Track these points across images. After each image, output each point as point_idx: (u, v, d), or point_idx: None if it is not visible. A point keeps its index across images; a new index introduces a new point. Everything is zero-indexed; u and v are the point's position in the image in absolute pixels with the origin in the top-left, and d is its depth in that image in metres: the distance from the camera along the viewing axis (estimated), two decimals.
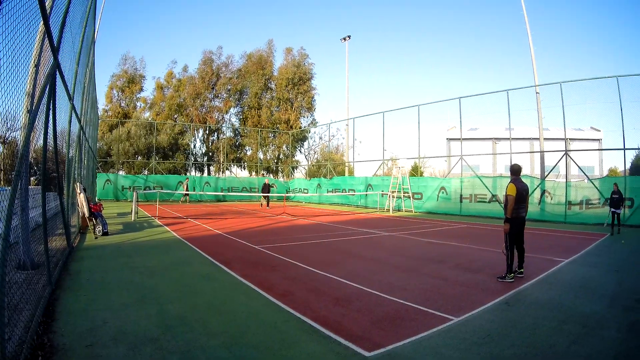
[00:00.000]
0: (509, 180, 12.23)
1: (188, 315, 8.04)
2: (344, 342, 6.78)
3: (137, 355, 5.98)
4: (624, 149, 25.03)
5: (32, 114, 6.96)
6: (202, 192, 45.28)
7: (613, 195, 20.00)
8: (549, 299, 9.44)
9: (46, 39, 8.06)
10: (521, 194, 11.40)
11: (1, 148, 8.83)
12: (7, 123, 6.79)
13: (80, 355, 5.88)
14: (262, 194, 40.69)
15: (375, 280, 11.16)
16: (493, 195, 31.73)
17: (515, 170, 11.86)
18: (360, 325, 7.68)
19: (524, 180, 12.00)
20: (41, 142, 9.05)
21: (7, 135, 7.25)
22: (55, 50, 8.73)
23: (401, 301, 9.24)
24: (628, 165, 28.19)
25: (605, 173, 43.04)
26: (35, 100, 7.51)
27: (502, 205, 11.77)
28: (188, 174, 56.95)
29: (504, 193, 11.74)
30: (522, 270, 11.68)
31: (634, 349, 6.53)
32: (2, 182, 9.91)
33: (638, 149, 29.85)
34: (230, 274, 11.68)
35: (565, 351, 6.45)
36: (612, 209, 20.17)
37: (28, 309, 6.80)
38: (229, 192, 48.03)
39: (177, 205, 39.43)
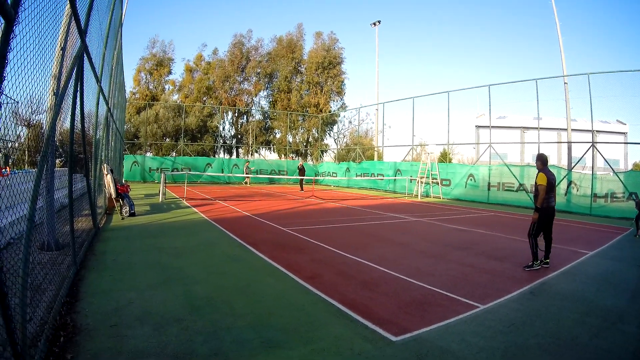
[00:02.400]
0: (535, 169, 12.19)
1: (214, 296, 8.04)
2: (371, 326, 6.78)
3: (162, 335, 5.99)
4: None
5: (59, 96, 6.94)
6: (229, 174, 45.28)
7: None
8: (572, 291, 9.43)
9: (72, 21, 8.04)
10: (551, 184, 11.38)
11: (26, 131, 8.81)
12: (32, 106, 6.76)
13: (104, 335, 5.87)
14: (298, 177, 40.59)
15: (402, 265, 11.14)
16: (520, 184, 31.30)
17: (544, 160, 11.80)
18: (388, 309, 7.68)
19: (551, 170, 11.91)
20: (68, 124, 9.05)
21: (31, 118, 7.20)
22: (82, 33, 8.70)
23: (428, 286, 9.23)
24: None
25: (630, 167, 42.48)
26: (62, 83, 7.49)
27: (532, 194, 11.52)
28: (217, 155, 57.28)
29: (534, 182, 11.64)
30: (548, 260, 11.61)
31: None
32: (26, 165, 9.91)
33: None
34: (258, 256, 11.69)
35: (587, 344, 6.45)
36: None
37: (51, 289, 6.80)
38: (258, 174, 47.77)
39: (206, 187, 39.45)
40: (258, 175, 45.41)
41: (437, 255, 12.70)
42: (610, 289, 9.62)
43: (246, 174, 43.11)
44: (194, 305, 7.44)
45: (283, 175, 49.37)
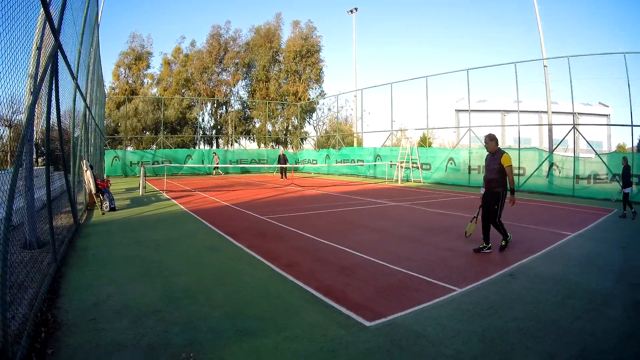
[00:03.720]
0: (497, 151, 11.26)
1: (193, 287, 8.13)
2: (345, 312, 6.86)
3: (139, 328, 6.08)
4: (632, 125, 24.75)
5: (34, 95, 7.01)
6: (210, 165, 45.23)
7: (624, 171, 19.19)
8: (554, 273, 9.35)
9: (47, 21, 8.12)
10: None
11: (7, 131, 8.87)
12: (13, 106, 6.83)
13: (84, 330, 5.95)
14: (279, 166, 40.51)
15: (381, 250, 11.19)
16: None
17: (497, 140, 11.41)
18: (364, 294, 7.76)
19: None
20: (52, 123, 9.17)
21: (13, 118, 7.28)
22: (55, 32, 8.77)
23: (406, 271, 9.29)
24: (636, 142, 28.03)
25: (613, 149, 42.64)
26: (37, 82, 7.57)
27: (492, 178, 10.97)
28: (197, 147, 57.01)
29: (494, 166, 11.00)
30: (490, 245, 11.28)
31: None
32: (9, 165, 9.99)
33: None
34: (237, 245, 11.76)
35: (569, 327, 6.38)
36: (624, 189, 18.49)
37: (33, 287, 6.87)
38: (237, 164, 48.09)
39: (186, 179, 39.38)
40: (232, 165, 46.09)
41: (416, 239, 12.78)
42: (594, 271, 9.54)
43: (216, 164, 43.28)
44: (171, 296, 7.52)
45: (263, 164, 49.22)
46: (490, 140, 11.26)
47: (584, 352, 5.53)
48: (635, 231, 14.74)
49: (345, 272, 9.18)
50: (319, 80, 66.35)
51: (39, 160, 14.57)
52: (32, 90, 7.32)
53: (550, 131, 32.63)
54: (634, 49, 24.75)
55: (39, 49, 8.16)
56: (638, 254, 11.42)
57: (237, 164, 48.74)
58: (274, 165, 46.24)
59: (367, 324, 6.41)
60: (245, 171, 49.06)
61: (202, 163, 45.92)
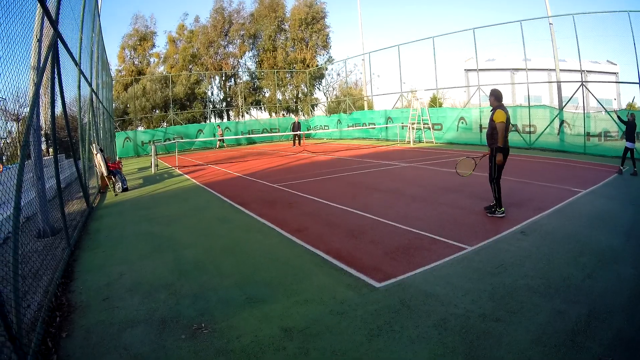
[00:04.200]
0: (495, 107, 10.84)
1: (203, 258, 8.27)
2: (355, 274, 6.96)
3: (151, 303, 6.22)
4: (639, 82, 24.52)
5: (36, 85, 7.06)
6: (231, 137, 45.18)
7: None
8: (565, 230, 9.25)
9: (45, 13, 8.20)
10: (508, 120, 10.63)
11: (15, 125, 8.96)
12: (20, 100, 6.91)
13: (97, 310, 6.08)
14: (292, 133, 40.64)
15: (390, 211, 11.29)
16: (513, 125, 30.67)
17: (499, 95, 10.90)
18: (373, 256, 7.84)
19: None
20: (57, 111, 9.27)
21: (20, 112, 7.35)
22: (54, 22, 8.86)
23: (416, 231, 9.35)
24: None
25: (623, 107, 42.19)
26: (39, 72, 7.63)
27: (497, 134, 10.72)
28: (208, 121, 57.01)
29: (490, 123, 10.81)
30: (503, 209, 10.86)
31: None
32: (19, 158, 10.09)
33: None
34: (248, 214, 11.92)
35: (580, 285, 6.35)
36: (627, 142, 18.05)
37: (48, 274, 6.94)
38: (250, 134, 47.73)
39: (199, 153, 39.30)
40: (240, 137, 46.00)
41: (426, 199, 12.80)
42: (605, 229, 9.38)
43: (220, 136, 43.32)
44: (182, 270, 7.65)
45: (276, 132, 48.97)
46: (490, 95, 11.05)
47: (594, 312, 5.48)
48: None
49: (354, 235, 9.26)
50: (326, 46, 65.82)
51: (49, 150, 14.66)
52: (35, 81, 7.38)
53: (559, 89, 32.30)
54: (638, 7, 24.27)
55: (39, 40, 8.24)
56: None
57: (249, 134, 48.31)
58: (282, 134, 46.66)
59: (377, 285, 6.50)
60: (251, 142, 48.92)
61: (214, 136, 45.46)
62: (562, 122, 28.52)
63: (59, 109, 10.28)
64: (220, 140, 43.91)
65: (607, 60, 46.88)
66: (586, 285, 6.31)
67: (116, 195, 16.84)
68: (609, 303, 5.72)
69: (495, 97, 10.81)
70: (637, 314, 5.45)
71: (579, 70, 28.19)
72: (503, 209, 10.69)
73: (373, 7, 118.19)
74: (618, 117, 19.16)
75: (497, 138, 10.47)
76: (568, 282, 6.42)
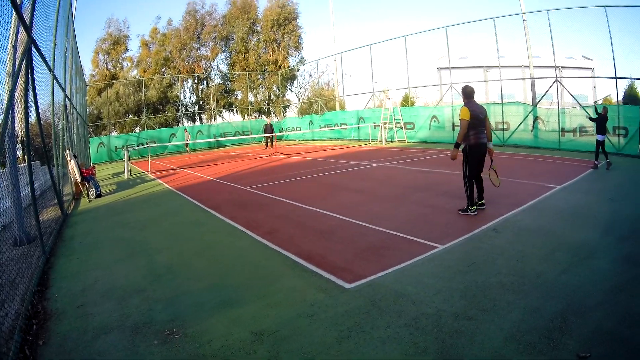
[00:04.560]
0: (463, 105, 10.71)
1: (175, 262, 8.33)
2: (325, 275, 7.01)
3: (124, 308, 6.26)
4: (615, 77, 24.57)
5: (11, 91, 7.10)
6: (195, 141, 44.80)
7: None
8: (539, 226, 9.26)
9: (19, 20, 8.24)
10: (477, 118, 10.41)
11: None
12: None
13: (72, 317, 6.13)
14: (264, 135, 40.62)
15: (361, 211, 11.34)
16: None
17: (468, 93, 10.73)
18: (343, 257, 7.89)
19: (478, 103, 10.81)
20: (32, 118, 9.29)
21: None
22: (27, 28, 8.94)
23: (386, 230, 9.41)
24: (621, 96, 27.99)
25: (599, 102, 42.72)
26: (13, 78, 7.67)
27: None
28: (180, 124, 56.77)
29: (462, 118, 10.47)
30: (482, 202, 11.02)
31: (630, 282, 6.22)
32: None
33: (630, 78, 29.44)
34: (219, 218, 11.99)
35: (554, 280, 6.35)
36: (597, 135, 18.21)
37: (24, 282, 6.98)
38: (222, 137, 48.04)
39: (172, 157, 39.22)
40: (224, 138, 46.45)
41: (397, 198, 12.92)
42: (580, 224, 9.41)
43: (187, 140, 43.16)
44: (155, 274, 7.72)
45: (248, 135, 48.87)
46: (461, 92, 10.96)
47: (570, 307, 5.50)
48: (621, 184, 14.42)
49: (325, 236, 9.34)
50: (298, 47, 66.05)
51: (25, 157, 14.69)
52: (10, 88, 7.41)
53: (532, 85, 32.46)
54: (614, 2, 24.37)
55: (14, 47, 8.28)
56: (625, 206, 11.04)
57: (222, 137, 48.74)
58: (254, 136, 46.52)
59: (347, 286, 6.54)
60: (220, 145, 48.78)
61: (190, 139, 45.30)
62: (536, 118, 28.71)
63: (33, 115, 10.32)
64: (187, 144, 43.75)
65: (583, 56, 47.47)
66: (561, 281, 6.32)
67: (90, 201, 16.81)
68: (585, 298, 5.76)
69: (464, 95, 10.77)
70: (614, 307, 5.49)
71: (553, 67, 28.46)
72: (475, 207, 10.63)
73: (345, 7, 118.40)
74: (588, 116, 19.25)
75: (459, 134, 10.49)
76: (542, 279, 6.44)
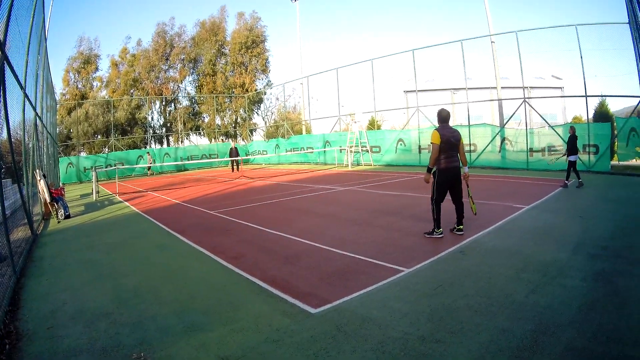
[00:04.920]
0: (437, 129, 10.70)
1: (142, 286, 8.35)
2: (291, 300, 7.05)
3: (92, 332, 6.29)
4: (586, 95, 24.86)
5: None
6: (162, 164, 45.14)
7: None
8: (507, 247, 9.38)
9: None
10: (448, 142, 10.39)
11: None
12: None
13: (42, 338, 6.17)
14: (230, 159, 40.58)
15: (327, 236, 11.42)
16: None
17: (443, 117, 10.75)
18: (309, 282, 7.96)
19: (451, 126, 10.83)
20: (2, 135, 9.34)
21: None
22: (1, 44, 8.97)
23: (352, 255, 9.46)
24: (591, 114, 28.43)
25: (569, 121, 43.19)
26: None
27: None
28: (148, 147, 56.59)
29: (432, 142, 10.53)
30: (461, 227, 10.91)
31: (601, 299, 6.30)
32: None
33: (600, 96, 29.85)
34: (185, 242, 11.98)
35: (523, 301, 6.39)
36: (569, 157, 18.46)
37: None
38: (189, 160, 48.23)
39: (139, 180, 38.95)
40: (191, 161, 46.72)
41: (364, 222, 12.96)
42: (550, 243, 9.53)
43: (149, 163, 43.27)
44: (121, 297, 7.74)
45: (214, 158, 48.92)
46: (437, 115, 10.96)
47: (541, 327, 5.54)
48: (591, 201, 14.72)
49: (290, 261, 9.38)
50: (265, 70, 66.66)
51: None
52: None
53: (500, 106, 32.77)
54: (584, 20, 24.80)
55: None
56: (595, 224, 11.19)
57: (188, 160, 48.88)
58: (221, 159, 46.77)
59: (312, 311, 6.57)
60: (183, 169, 48.76)
61: (154, 162, 45.46)
62: (503, 139, 29.23)
63: (3, 133, 10.34)
64: (149, 167, 43.73)
65: (552, 75, 48.08)
66: (530, 301, 6.37)
67: (59, 222, 16.78)
68: (556, 316, 5.82)
69: (439, 118, 10.81)
70: (586, 324, 5.54)
71: (521, 87, 28.85)
72: (441, 229, 10.64)
73: (312, 30, 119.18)
74: (563, 153, 19.67)
75: (430, 158, 10.54)
76: (511, 299, 6.49)
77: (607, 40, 24.57)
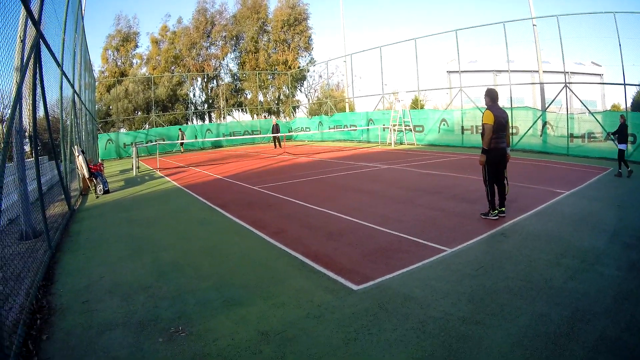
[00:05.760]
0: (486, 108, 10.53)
1: (181, 260, 8.29)
2: (333, 276, 6.95)
3: (129, 305, 6.22)
4: (624, 84, 24.38)
5: (19, 85, 7.07)
6: (203, 140, 45.24)
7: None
8: (547, 232, 9.21)
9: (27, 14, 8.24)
10: (500, 123, 10.20)
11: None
12: (3, 101, 6.89)
13: (77, 312, 6.09)
14: (272, 135, 40.61)
15: (369, 213, 11.28)
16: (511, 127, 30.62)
17: (493, 97, 10.53)
18: (351, 258, 7.83)
19: (502, 108, 10.67)
20: (40, 112, 9.28)
21: (4, 113, 7.33)
22: (36, 23, 8.92)
23: (395, 233, 9.34)
24: (629, 101, 27.82)
25: (608, 108, 42.19)
26: (21, 73, 7.65)
27: (480, 135, 10.60)
28: (190, 123, 57.08)
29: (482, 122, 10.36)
30: (503, 209, 10.70)
31: (635, 290, 6.16)
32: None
33: (639, 85, 29.38)
34: (226, 216, 11.94)
35: (562, 286, 6.31)
36: (619, 145, 17.94)
37: (29, 276, 6.95)
38: (231, 136, 48.27)
39: (180, 155, 39.04)
40: (232, 137, 46.79)
41: (407, 201, 12.82)
42: (588, 230, 9.34)
43: (181, 139, 43.10)
44: (161, 271, 7.67)
45: (257, 134, 48.62)
46: (485, 95, 10.73)
47: (577, 313, 5.45)
48: (629, 190, 14.38)
49: (333, 237, 9.27)
50: (308, 47, 66.01)
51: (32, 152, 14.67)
52: (18, 82, 7.38)
53: (542, 90, 32.29)
54: (623, 8, 24.31)
55: (22, 41, 8.26)
56: (632, 213, 10.98)
57: (231, 136, 48.79)
58: (261, 136, 46.73)
59: (355, 287, 6.48)
60: (229, 144, 48.68)
61: (195, 138, 45.49)
62: (545, 123, 28.63)
63: (41, 110, 10.29)
64: (181, 143, 43.68)
65: (592, 62, 47.09)
66: (569, 287, 6.27)
67: (97, 197, 16.80)
68: (592, 304, 5.70)
69: (490, 98, 10.57)
70: (621, 314, 5.44)
71: (562, 72, 28.27)
72: (496, 211, 10.49)
73: (355, 8, 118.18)
74: (609, 132, 19.36)
75: (484, 139, 10.29)
76: (550, 284, 6.38)
77: None
